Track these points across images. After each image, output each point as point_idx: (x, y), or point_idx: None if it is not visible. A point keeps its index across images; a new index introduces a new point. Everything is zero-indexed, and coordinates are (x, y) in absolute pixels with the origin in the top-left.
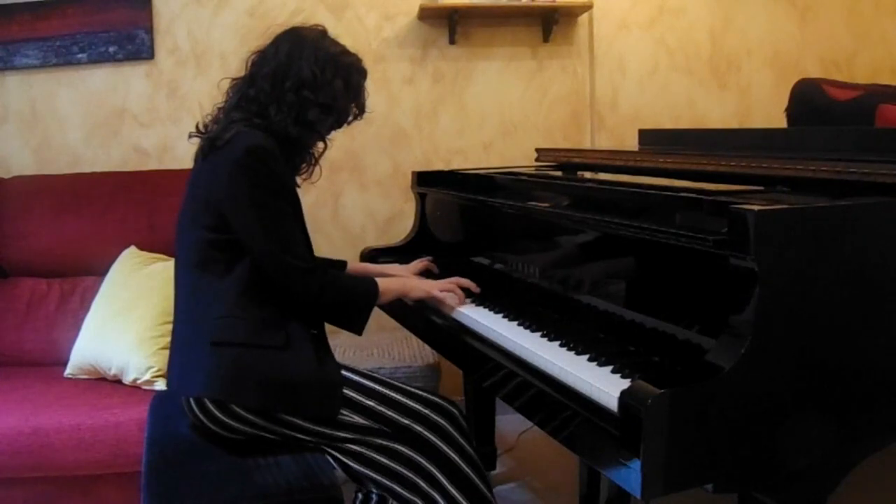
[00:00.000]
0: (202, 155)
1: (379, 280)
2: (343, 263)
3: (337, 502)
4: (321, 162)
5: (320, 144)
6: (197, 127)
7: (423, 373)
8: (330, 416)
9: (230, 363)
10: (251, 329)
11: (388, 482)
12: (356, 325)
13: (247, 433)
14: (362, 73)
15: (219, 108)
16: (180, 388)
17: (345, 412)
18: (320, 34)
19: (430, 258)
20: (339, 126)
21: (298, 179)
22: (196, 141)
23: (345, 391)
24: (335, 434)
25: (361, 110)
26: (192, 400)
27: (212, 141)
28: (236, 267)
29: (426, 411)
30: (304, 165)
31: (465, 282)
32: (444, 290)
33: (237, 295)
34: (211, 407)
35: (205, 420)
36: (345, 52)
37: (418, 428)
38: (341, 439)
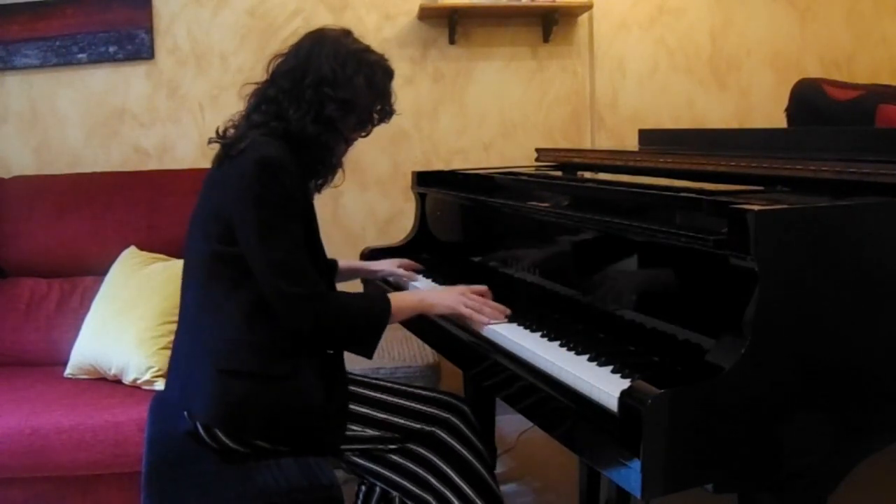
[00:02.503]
0: (216, 164)
1: (392, 296)
2: (333, 263)
3: (337, 502)
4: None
5: (342, 148)
6: (217, 132)
7: (423, 373)
8: (334, 446)
9: (236, 395)
10: (258, 357)
11: (398, 479)
12: (364, 349)
13: (255, 455)
14: (388, 73)
15: (240, 114)
16: (182, 402)
17: (355, 427)
18: (343, 33)
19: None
20: (363, 128)
21: (318, 188)
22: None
23: (354, 407)
24: (345, 447)
25: (386, 113)
26: (196, 421)
27: (226, 149)
28: (245, 284)
29: (435, 411)
30: (323, 170)
31: (494, 305)
32: (469, 306)
33: (244, 315)
34: (217, 432)
35: (207, 440)
36: (368, 50)
37: (429, 428)
38: (352, 451)
